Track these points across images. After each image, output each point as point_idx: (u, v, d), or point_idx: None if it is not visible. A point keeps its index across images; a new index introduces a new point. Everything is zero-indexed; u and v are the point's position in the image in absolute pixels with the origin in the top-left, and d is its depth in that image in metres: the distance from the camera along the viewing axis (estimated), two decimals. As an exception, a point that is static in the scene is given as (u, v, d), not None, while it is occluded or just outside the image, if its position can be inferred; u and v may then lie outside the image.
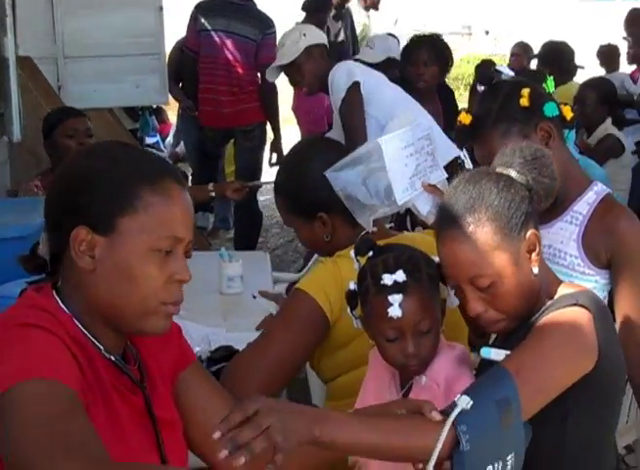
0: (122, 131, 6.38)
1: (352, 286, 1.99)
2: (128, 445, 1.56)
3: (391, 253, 1.94)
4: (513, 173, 1.82)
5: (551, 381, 1.71)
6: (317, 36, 4.52)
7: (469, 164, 2.29)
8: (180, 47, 6.44)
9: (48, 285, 1.61)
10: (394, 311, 1.87)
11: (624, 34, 7.26)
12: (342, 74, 4.18)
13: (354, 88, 4.14)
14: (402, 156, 2.31)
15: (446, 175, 2.40)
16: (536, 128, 2.25)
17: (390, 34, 7.47)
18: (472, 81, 6.81)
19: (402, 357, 1.92)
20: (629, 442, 2.93)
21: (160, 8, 6.34)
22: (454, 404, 1.60)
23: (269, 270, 3.61)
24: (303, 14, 7.20)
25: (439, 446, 1.57)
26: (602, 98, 5.06)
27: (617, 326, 2.20)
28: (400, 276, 1.87)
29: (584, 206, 2.29)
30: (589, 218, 2.27)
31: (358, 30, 7.67)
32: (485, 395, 1.64)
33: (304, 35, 4.41)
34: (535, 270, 1.81)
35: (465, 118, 2.29)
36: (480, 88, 2.37)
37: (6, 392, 1.40)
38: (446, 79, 5.68)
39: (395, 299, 1.87)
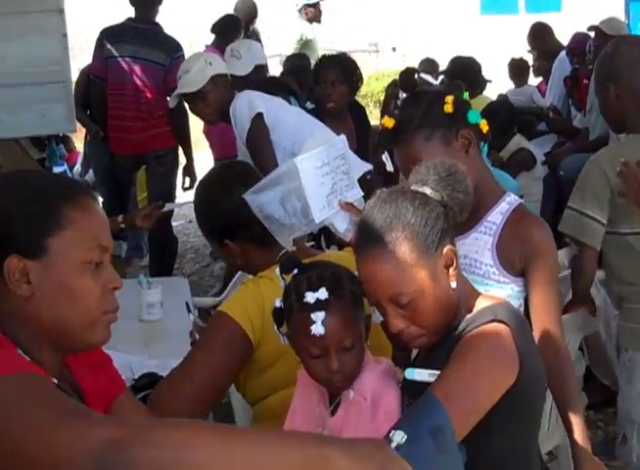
0: (30, 161, 6.30)
1: (278, 303, 2.00)
2: None
3: (315, 270, 1.96)
4: (428, 191, 1.84)
5: (478, 401, 1.74)
6: (222, 66, 4.55)
7: (390, 167, 2.32)
8: (87, 73, 6.38)
9: None
10: (317, 329, 1.88)
11: (529, 48, 7.50)
12: (244, 107, 4.20)
13: (258, 119, 4.17)
14: (318, 175, 2.33)
15: (362, 193, 2.43)
16: (457, 135, 2.29)
17: (301, 54, 7.55)
18: (382, 98, 6.87)
19: (327, 374, 1.93)
20: (551, 448, 2.99)
21: (64, 35, 6.24)
22: (389, 440, 1.59)
23: (189, 296, 3.59)
24: (212, 36, 7.22)
25: None
26: (501, 121, 5.18)
27: (535, 334, 2.23)
28: (323, 294, 1.89)
29: (498, 216, 2.33)
30: (502, 228, 2.31)
31: (298, 45, 7.66)
32: (418, 426, 1.66)
33: (210, 64, 4.42)
34: (453, 285, 1.84)
35: (388, 122, 2.32)
36: (403, 95, 2.40)
37: None
38: (356, 97, 5.73)
39: (318, 316, 1.88)
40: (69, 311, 1.58)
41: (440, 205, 1.84)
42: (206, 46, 7.17)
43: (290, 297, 1.96)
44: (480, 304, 1.89)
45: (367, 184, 2.66)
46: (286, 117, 4.27)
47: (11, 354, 1.52)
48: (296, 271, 2.00)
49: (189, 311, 2.75)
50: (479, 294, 1.94)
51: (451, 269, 1.83)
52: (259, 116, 4.16)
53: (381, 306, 1.85)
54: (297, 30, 7.74)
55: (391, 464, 1.39)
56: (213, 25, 7.20)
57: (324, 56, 5.42)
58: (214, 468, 1.34)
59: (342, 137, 2.48)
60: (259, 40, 8.36)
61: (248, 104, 4.20)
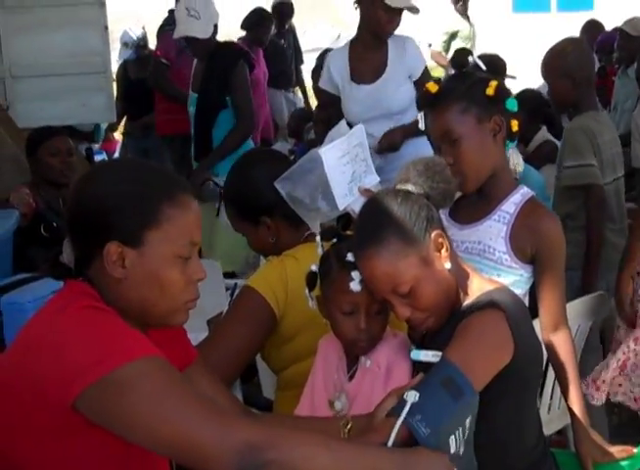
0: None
1: (314, 268, 2.16)
2: None
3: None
4: (409, 187, 1.98)
5: (476, 376, 1.86)
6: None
7: (422, 125, 2.41)
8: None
9: (82, 284, 1.75)
10: (355, 286, 2.04)
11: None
12: None
13: None
14: (340, 164, 2.46)
15: (379, 179, 2.56)
16: (490, 119, 2.36)
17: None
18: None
19: (354, 332, 2.10)
20: (560, 427, 3.10)
21: (106, 27, 6.43)
22: (403, 402, 1.74)
23: (221, 276, 3.75)
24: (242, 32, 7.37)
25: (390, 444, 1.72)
26: (531, 111, 5.27)
27: (540, 316, 2.39)
28: None
29: (511, 206, 2.43)
30: (516, 218, 2.41)
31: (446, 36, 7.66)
32: (429, 381, 1.80)
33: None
34: (447, 266, 1.98)
35: (432, 87, 2.38)
36: (451, 71, 2.45)
37: (111, 372, 1.55)
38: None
39: (357, 275, 2.03)
40: (155, 298, 1.72)
41: (423, 196, 1.98)
42: (237, 40, 7.35)
43: (329, 259, 2.13)
44: (480, 287, 2.04)
45: None
46: None
47: (135, 335, 1.66)
48: (334, 240, 2.17)
49: (232, 295, 2.80)
50: (475, 275, 2.07)
51: (442, 251, 1.98)
52: None
53: (386, 300, 1.99)
54: (451, 23, 7.73)
55: None
56: (244, 21, 7.32)
57: None
58: None
59: (361, 126, 2.59)
60: (295, 35, 8.49)
61: None
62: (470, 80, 2.38)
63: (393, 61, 4.29)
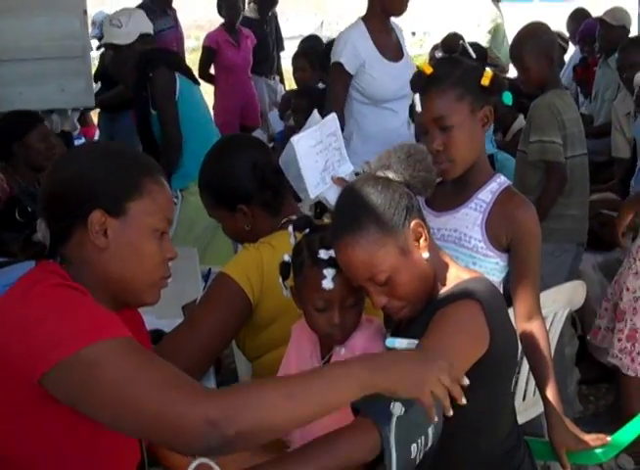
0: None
1: (287, 258, 2.14)
2: None
3: (327, 231, 2.08)
4: (390, 174, 1.95)
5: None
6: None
7: (419, 108, 2.39)
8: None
9: (53, 264, 1.76)
10: (327, 284, 2.03)
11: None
12: None
13: None
14: (313, 153, 2.46)
15: (352, 168, 2.55)
16: (482, 109, 2.36)
17: (315, 36, 7.65)
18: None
19: (328, 327, 2.08)
20: (535, 415, 3.11)
21: (85, 11, 6.37)
22: (389, 414, 1.71)
23: (197, 264, 3.74)
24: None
25: (394, 462, 1.71)
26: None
27: (514, 305, 2.39)
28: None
29: (488, 194, 2.43)
30: (492, 206, 2.41)
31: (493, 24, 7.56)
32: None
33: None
34: (425, 255, 1.96)
35: (427, 69, 2.37)
36: (439, 54, 2.43)
37: (78, 352, 1.54)
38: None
39: (329, 272, 2.02)
40: (135, 269, 1.75)
41: (403, 185, 1.95)
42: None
43: (301, 252, 2.10)
44: (456, 276, 2.02)
45: None
46: None
47: (105, 313, 1.66)
48: (307, 230, 2.15)
49: (205, 281, 2.80)
50: (452, 264, 2.06)
51: (421, 241, 1.95)
52: None
53: (363, 287, 1.98)
54: (487, 13, 7.66)
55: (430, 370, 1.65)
56: (217, 6, 7.39)
57: (331, 42, 5.44)
58: (291, 423, 1.62)
59: (334, 115, 2.59)
60: (277, 22, 8.49)
61: None
62: (464, 66, 2.38)
63: (402, 43, 4.34)
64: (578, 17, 7.29)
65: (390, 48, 4.24)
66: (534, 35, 3.96)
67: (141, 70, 4.61)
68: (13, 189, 4.03)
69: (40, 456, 1.63)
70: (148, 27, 4.86)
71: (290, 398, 1.58)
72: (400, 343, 1.88)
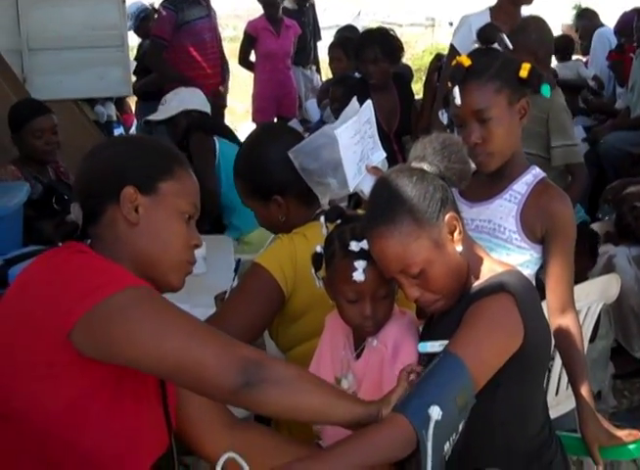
0: (87, 122, 6.45)
1: (319, 249, 2.14)
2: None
3: (358, 222, 2.07)
4: (425, 166, 1.93)
5: (488, 361, 1.86)
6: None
7: (445, 121, 2.37)
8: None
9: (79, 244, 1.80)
10: (358, 276, 2.02)
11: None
12: None
13: None
14: (352, 144, 2.44)
15: (385, 154, 2.53)
16: (519, 101, 2.35)
17: (351, 26, 7.66)
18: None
19: (360, 318, 2.08)
20: (568, 410, 3.10)
21: (123, 1, 6.43)
22: (428, 417, 1.71)
23: (231, 252, 3.76)
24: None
25: (429, 466, 1.71)
26: None
27: (547, 298, 2.37)
28: (366, 244, 2.00)
29: (523, 186, 2.42)
30: (527, 198, 2.40)
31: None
32: (450, 397, 1.76)
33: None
34: (459, 249, 1.95)
35: (465, 61, 2.35)
36: (475, 45, 2.41)
37: (106, 299, 1.61)
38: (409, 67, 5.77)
39: (360, 264, 2.01)
40: (163, 246, 1.81)
41: (438, 177, 1.93)
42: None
43: (332, 244, 2.10)
44: (490, 269, 2.00)
45: None
46: None
47: (125, 270, 1.73)
48: (339, 221, 2.14)
49: (235, 271, 2.84)
50: (486, 257, 2.04)
51: (455, 234, 1.94)
52: None
53: (396, 279, 1.96)
54: None
55: None
56: None
57: (365, 32, 5.44)
58: (312, 404, 1.73)
59: (369, 102, 2.55)
60: (315, 12, 8.49)
61: None
62: (502, 58, 2.36)
63: None
64: (584, 15, 7.32)
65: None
66: (523, 31, 3.85)
67: (180, 137, 4.85)
68: (27, 179, 4.02)
69: (62, 421, 1.65)
70: (194, 104, 5.02)
71: (321, 392, 1.73)
72: (432, 346, 1.89)
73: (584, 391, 2.29)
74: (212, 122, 5.14)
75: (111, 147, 1.92)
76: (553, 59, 7.44)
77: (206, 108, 5.08)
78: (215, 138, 4.84)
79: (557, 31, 7.65)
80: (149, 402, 1.78)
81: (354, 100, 2.54)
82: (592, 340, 3.63)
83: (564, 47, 7.45)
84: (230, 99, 7.34)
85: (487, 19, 4.18)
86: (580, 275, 3.80)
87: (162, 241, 1.81)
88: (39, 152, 4.19)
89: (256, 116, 7.65)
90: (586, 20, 7.47)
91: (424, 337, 2.06)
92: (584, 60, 7.57)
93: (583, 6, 7.92)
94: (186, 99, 5.08)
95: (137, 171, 1.81)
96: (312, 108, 7.33)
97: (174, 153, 1.91)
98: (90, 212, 1.81)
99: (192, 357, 1.61)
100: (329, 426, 2.09)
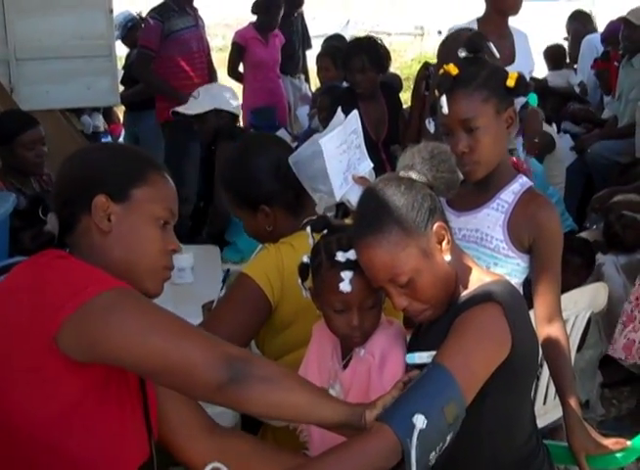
0: (74, 131, 6.45)
1: (305, 259, 2.13)
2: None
3: (345, 232, 2.07)
4: (413, 175, 1.92)
5: (477, 371, 1.85)
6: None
7: (432, 129, 2.36)
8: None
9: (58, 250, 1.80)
10: (345, 286, 2.01)
11: (566, 35, 7.57)
12: None
13: None
14: (337, 154, 2.44)
15: (372, 165, 2.53)
16: (506, 110, 2.36)
17: (339, 35, 7.67)
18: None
19: (347, 329, 2.07)
20: (554, 418, 3.10)
21: (111, 10, 6.41)
22: (412, 425, 1.71)
23: (219, 262, 3.75)
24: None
25: None
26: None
27: (535, 307, 2.37)
28: (352, 254, 1.99)
29: (510, 195, 2.42)
30: (514, 207, 2.41)
31: None
32: (436, 407, 1.76)
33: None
34: (447, 258, 1.94)
35: (453, 70, 2.35)
36: (462, 54, 2.40)
37: (90, 300, 1.61)
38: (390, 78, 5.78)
39: (347, 275, 2.01)
40: (137, 253, 1.81)
41: (427, 186, 1.93)
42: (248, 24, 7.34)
43: (319, 254, 2.09)
44: (478, 279, 1.99)
45: None
46: None
47: (105, 273, 1.72)
48: (325, 231, 2.13)
49: (223, 281, 2.83)
50: (474, 267, 2.03)
51: (444, 244, 1.93)
52: None
53: (384, 289, 1.96)
54: None
55: None
56: (253, 5, 7.35)
57: (353, 41, 5.43)
58: (296, 402, 1.73)
59: (355, 112, 2.55)
60: (304, 21, 8.49)
61: None
62: (489, 67, 2.37)
63: (520, 53, 4.19)
64: (578, 17, 7.35)
65: (501, 53, 4.20)
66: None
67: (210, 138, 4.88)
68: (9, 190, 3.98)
69: (48, 426, 1.64)
70: (226, 105, 4.98)
71: (304, 391, 1.73)
72: (420, 357, 1.88)
73: (571, 400, 2.28)
74: (241, 131, 5.15)
75: (84, 155, 1.91)
76: (545, 67, 7.53)
77: (238, 109, 5.07)
78: None
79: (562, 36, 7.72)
80: (132, 409, 1.78)
81: (339, 110, 2.54)
82: (579, 349, 3.63)
83: (556, 56, 7.49)
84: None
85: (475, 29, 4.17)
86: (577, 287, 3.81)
87: (137, 248, 1.81)
88: (30, 164, 4.17)
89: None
90: (578, 23, 7.47)
91: (411, 346, 2.06)
92: (575, 66, 7.60)
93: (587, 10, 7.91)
94: (218, 97, 5.03)
95: (109, 179, 1.80)
96: (303, 116, 7.34)
97: (148, 158, 1.90)
98: (65, 222, 1.81)
99: (178, 354, 1.61)
100: (316, 436, 2.08)
